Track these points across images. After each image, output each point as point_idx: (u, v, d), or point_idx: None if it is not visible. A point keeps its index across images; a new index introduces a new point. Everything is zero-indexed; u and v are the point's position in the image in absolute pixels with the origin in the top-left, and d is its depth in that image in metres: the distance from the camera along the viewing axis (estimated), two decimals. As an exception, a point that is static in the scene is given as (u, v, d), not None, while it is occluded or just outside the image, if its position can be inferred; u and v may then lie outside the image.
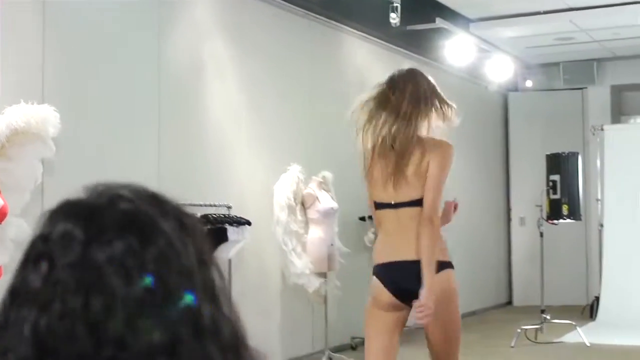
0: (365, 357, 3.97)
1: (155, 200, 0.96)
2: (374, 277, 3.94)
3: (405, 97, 3.83)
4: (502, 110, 13.64)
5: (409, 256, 3.76)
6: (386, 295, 3.84)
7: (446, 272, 3.84)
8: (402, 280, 3.79)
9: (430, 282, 3.66)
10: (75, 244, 0.90)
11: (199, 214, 6.22)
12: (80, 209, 0.93)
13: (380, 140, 3.84)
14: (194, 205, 6.31)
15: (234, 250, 6.74)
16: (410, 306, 3.77)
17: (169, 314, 0.89)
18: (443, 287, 3.78)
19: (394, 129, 3.80)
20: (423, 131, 3.84)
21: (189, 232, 0.95)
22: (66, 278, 0.89)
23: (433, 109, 3.90)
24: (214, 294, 0.95)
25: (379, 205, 3.93)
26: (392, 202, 3.85)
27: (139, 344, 0.87)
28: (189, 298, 0.91)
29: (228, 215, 6.82)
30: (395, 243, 3.84)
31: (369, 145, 3.88)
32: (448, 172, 3.82)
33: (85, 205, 0.94)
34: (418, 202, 3.78)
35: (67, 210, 0.93)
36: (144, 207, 0.94)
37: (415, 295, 3.66)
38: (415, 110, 3.83)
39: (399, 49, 10.24)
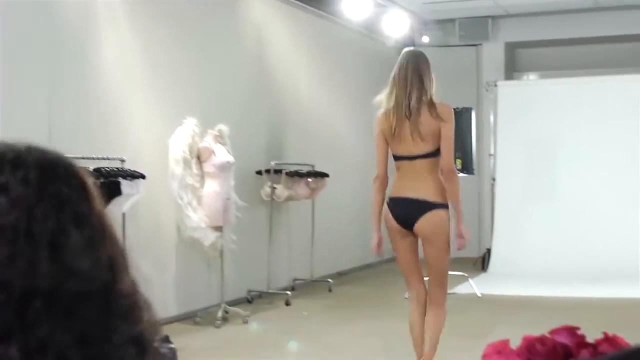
0: (404, 276, 5.19)
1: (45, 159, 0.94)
2: (386, 206, 5.02)
3: (408, 76, 4.94)
4: (399, 65, 13.73)
5: (414, 195, 4.88)
6: (393, 222, 4.99)
7: (444, 212, 4.95)
8: (407, 211, 4.90)
9: (460, 215, 4.93)
10: None
11: (91, 168, 6.09)
12: None
13: (395, 112, 4.89)
14: (87, 158, 6.18)
15: (127, 204, 6.63)
16: (412, 232, 4.93)
17: (64, 260, 0.89)
18: (443, 221, 4.94)
19: (406, 101, 4.88)
20: (425, 97, 4.89)
21: (84, 189, 0.95)
22: None
23: (431, 81, 4.96)
24: (107, 245, 0.95)
25: (398, 157, 4.97)
26: (410, 155, 4.88)
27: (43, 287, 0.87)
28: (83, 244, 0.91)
29: (122, 168, 6.70)
30: (407, 185, 4.92)
31: (390, 115, 4.92)
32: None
33: None
34: (429, 155, 4.87)
35: None
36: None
37: (412, 224, 4.88)
38: (420, 85, 4.91)
39: (296, 2, 10.18)
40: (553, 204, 10.92)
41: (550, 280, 9.89)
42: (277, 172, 9.14)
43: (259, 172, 9.12)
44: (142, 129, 7.39)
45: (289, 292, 9.10)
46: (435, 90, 4.95)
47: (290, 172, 9.32)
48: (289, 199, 9.27)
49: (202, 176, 7.61)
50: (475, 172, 10.56)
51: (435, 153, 4.90)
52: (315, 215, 10.18)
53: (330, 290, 9.83)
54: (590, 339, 1.17)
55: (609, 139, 10.65)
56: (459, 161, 9.96)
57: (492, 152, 11.88)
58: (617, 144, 10.61)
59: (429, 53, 5.42)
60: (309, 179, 9.59)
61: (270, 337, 7.21)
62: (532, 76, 13.69)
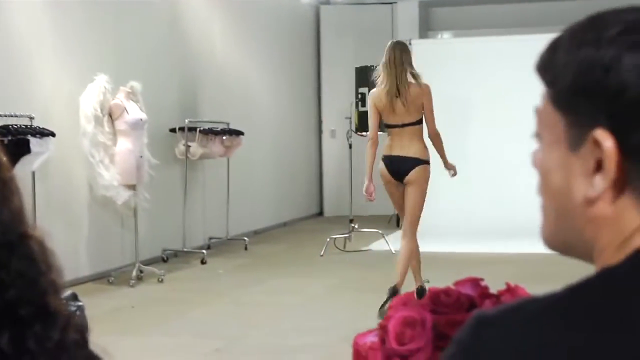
0: (395, 208, 6.82)
1: None
2: (381, 162, 6.39)
3: (396, 62, 6.26)
4: (314, 23, 13.70)
5: (404, 154, 6.27)
6: (387, 175, 6.37)
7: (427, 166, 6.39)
8: (398, 166, 6.30)
9: (446, 160, 6.62)
10: None
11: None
12: None
13: (387, 92, 6.22)
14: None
15: (37, 162, 6.50)
16: (403, 183, 6.32)
17: None
18: (426, 173, 6.38)
19: (396, 82, 6.21)
20: (409, 79, 6.26)
21: None
22: None
23: (409, 65, 6.32)
24: (9, 205, 0.95)
25: (390, 126, 6.33)
26: (400, 124, 6.26)
27: None
28: None
29: (30, 126, 6.54)
30: (398, 146, 6.29)
31: (383, 93, 6.27)
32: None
33: None
34: (415, 123, 6.29)
35: None
36: None
37: (404, 176, 6.29)
38: (403, 69, 6.25)
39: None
40: (466, 162, 11.08)
41: (462, 237, 10.08)
42: (192, 129, 9.05)
43: (172, 130, 9.02)
44: (51, 86, 7.22)
45: (204, 251, 9.08)
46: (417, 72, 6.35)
47: (205, 129, 9.24)
48: (204, 157, 9.20)
49: (114, 134, 7.49)
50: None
51: (419, 122, 6.33)
52: (231, 174, 10.14)
53: (246, 249, 9.84)
54: (494, 290, 1.19)
55: (523, 98, 10.79)
56: (373, 119, 10.00)
57: (406, 110, 11.97)
58: (530, 103, 10.79)
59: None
60: (224, 137, 9.53)
61: (185, 296, 7.19)
62: (447, 35, 13.82)
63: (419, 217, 6.44)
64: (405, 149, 6.27)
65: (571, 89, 0.85)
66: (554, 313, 0.80)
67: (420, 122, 6.33)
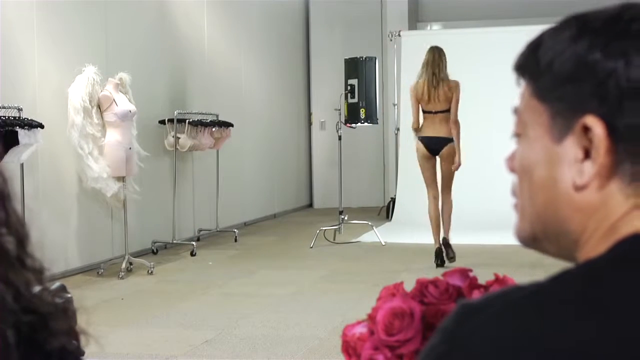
0: (426, 185, 8.14)
1: None
2: (418, 141, 7.94)
3: (435, 62, 7.85)
4: (304, 14, 13.68)
5: (436, 134, 7.87)
6: (425, 151, 7.93)
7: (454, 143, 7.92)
8: (434, 144, 7.89)
9: (459, 151, 7.87)
10: None
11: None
12: None
13: (427, 84, 7.83)
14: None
15: (25, 154, 6.48)
16: (435, 157, 7.98)
17: None
18: (453, 149, 7.89)
19: (433, 78, 7.82)
20: (445, 77, 7.87)
21: None
22: None
23: (444, 65, 7.88)
24: None
25: (426, 112, 7.91)
26: (433, 111, 7.87)
27: None
28: None
29: (19, 117, 6.52)
30: (431, 128, 7.89)
31: (422, 85, 7.86)
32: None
33: None
34: (444, 111, 7.84)
35: None
36: None
37: (439, 151, 7.91)
38: (440, 68, 7.84)
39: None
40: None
41: (451, 228, 10.08)
42: (181, 121, 9.04)
43: (162, 122, 9.00)
44: (40, 77, 7.19)
45: (194, 243, 9.07)
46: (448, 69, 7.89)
47: (194, 121, 9.23)
48: (193, 148, 9.19)
49: (103, 126, 7.47)
50: (379, 121, 10.63)
51: (447, 110, 7.83)
52: (220, 165, 10.13)
53: (235, 241, 9.83)
54: (482, 281, 1.19)
55: (512, 89, 10.80)
56: (362, 110, 10.01)
57: (395, 101, 11.98)
58: (518, 95, 10.80)
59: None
60: (213, 129, 9.52)
61: (175, 288, 7.19)
62: (436, 26, 13.81)
63: (452, 182, 8.09)
64: (437, 130, 7.86)
65: (559, 77, 0.86)
66: (536, 301, 0.80)
67: (448, 110, 7.85)
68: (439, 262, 7.87)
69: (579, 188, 0.85)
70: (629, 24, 0.84)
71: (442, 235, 8.02)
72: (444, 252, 7.94)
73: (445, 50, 7.98)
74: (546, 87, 0.88)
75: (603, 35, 0.84)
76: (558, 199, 0.87)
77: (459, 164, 7.91)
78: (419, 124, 7.92)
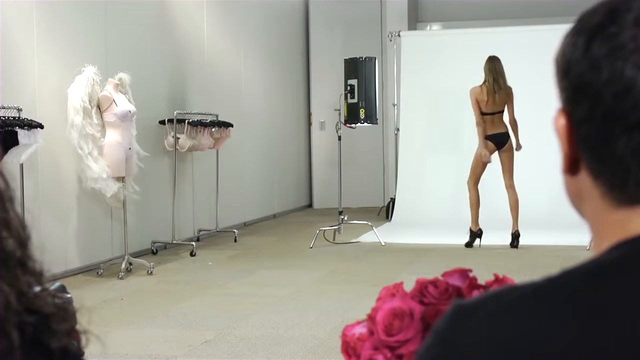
0: (473, 179, 9.24)
1: None
2: (485, 139, 9.00)
3: (496, 70, 8.92)
4: (303, 14, 13.68)
5: (500, 130, 9.05)
6: (493, 146, 9.02)
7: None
8: (499, 139, 9.03)
9: (518, 140, 9.18)
10: None
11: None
12: None
13: (488, 88, 8.92)
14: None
15: (25, 154, 6.47)
16: (499, 150, 9.09)
17: None
18: (512, 142, 9.09)
19: (493, 84, 8.93)
20: (503, 83, 8.97)
21: None
22: None
23: (502, 72, 8.95)
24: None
25: (484, 113, 8.98)
26: (493, 112, 8.99)
27: None
28: None
29: (18, 118, 6.52)
30: (491, 126, 9.02)
31: (483, 89, 8.96)
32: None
33: None
34: (501, 112, 9.02)
35: None
36: None
37: (502, 145, 9.05)
38: (498, 75, 8.92)
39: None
40: (455, 154, 11.10)
41: (451, 229, 10.09)
42: (180, 121, 9.04)
43: (161, 122, 9.00)
44: (39, 77, 7.19)
45: (194, 243, 9.07)
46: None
47: (194, 121, 9.23)
48: (193, 149, 9.19)
49: (103, 126, 7.47)
50: (378, 121, 10.63)
51: (503, 111, 9.03)
52: (220, 166, 10.13)
53: (235, 241, 9.83)
54: (482, 281, 1.19)
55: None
56: (362, 111, 10.01)
57: (395, 102, 11.97)
58: (518, 95, 10.80)
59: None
60: (213, 129, 9.52)
61: (174, 288, 7.19)
62: (435, 26, 13.81)
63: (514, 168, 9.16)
64: (497, 128, 9.02)
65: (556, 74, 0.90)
66: (532, 302, 0.80)
67: (503, 111, 9.06)
68: (470, 243, 9.16)
69: (564, 173, 0.91)
70: None
71: (513, 228, 9.05)
72: (478, 237, 9.17)
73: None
74: None
75: (572, 32, 0.89)
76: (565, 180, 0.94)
77: (520, 146, 9.15)
78: (483, 120, 8.98)
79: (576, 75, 0.84)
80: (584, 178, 0.86)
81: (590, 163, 0.84)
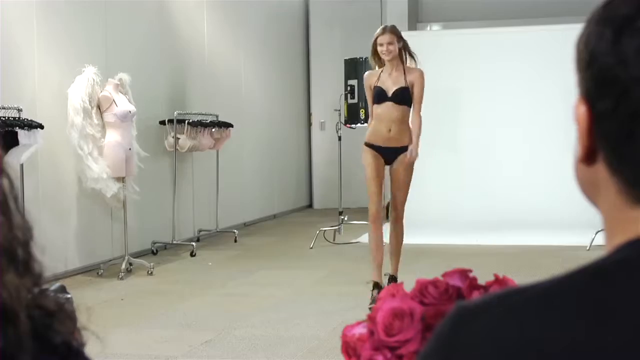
0: None
1: None
2: None
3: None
4: (303, 15, 13.68)
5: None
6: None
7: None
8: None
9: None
10: None
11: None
12: None
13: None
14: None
15: (25, 154, 6.48)
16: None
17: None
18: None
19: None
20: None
21: None
22: None
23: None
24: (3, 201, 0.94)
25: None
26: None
27: None
28: None
29: (19, 118, 6.52)
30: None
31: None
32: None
33: None
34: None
35: None
36: None
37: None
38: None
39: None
40: (455, 154, 11.10)
41: (451, 229, 10.09)
42: (181, 122, 9.03)
43: (162, 122, 9.00)
44: (39, 78, 7.19)
45: (194, 243, 9.07)
46: None
47: (194, 122, 9.23)
48: (193, 149, 9.19)
49: (103, 126, 7.47)
50: (379, 122, 10.61)
51: None
52: (220, 166, 10.13)
53: (235, 241, 9.83)
54: (482, 282, 1.19)
55: (512, 90, 10.84)
56: (362, 111, 10.01)
57: (395, 102, 11.95)
58: (518, 95, 10.81)
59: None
60: (213, 129, 9.52)
61: (174, 288, 7.19)
62: (436, 27, 13.81)
63: None
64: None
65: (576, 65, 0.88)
66: (538, 304, 0.79)
67: None
68: None
69: (579, 162, 0.89)
70: None
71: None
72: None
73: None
74: None
75: (590, 22, 0.87)
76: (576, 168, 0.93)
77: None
78: None
79: (601, 68, 0.82)
80: (601, 169, 0.84)
81: (609, 158, 0.83)
